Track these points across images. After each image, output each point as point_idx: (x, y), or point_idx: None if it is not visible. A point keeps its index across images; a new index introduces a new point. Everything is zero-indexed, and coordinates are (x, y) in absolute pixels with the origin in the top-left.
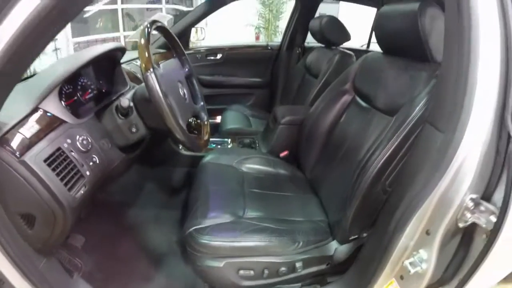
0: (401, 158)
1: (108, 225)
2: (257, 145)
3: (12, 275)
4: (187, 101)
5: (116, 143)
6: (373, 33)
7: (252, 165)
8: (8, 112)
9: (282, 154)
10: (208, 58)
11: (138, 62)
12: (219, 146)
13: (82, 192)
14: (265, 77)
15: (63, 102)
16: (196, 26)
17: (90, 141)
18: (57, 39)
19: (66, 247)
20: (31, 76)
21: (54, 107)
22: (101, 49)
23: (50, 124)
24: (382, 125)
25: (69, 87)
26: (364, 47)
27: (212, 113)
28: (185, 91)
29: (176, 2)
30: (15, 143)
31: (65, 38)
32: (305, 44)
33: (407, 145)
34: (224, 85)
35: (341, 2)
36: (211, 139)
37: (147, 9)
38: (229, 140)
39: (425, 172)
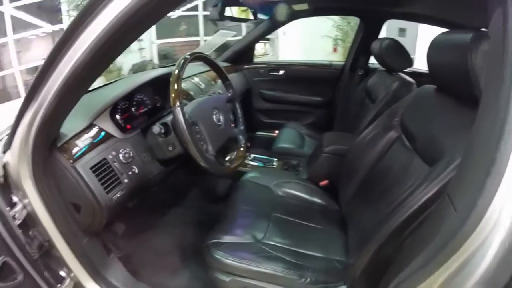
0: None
1: (149, 218)
2: (301, 168)
3: (61, 245)
4: (221, 127)
5: (156, 156)
6: None
7: (289, 190)
8: (68, 126)
9: (322, 183)
10: (271, 73)
11: (194, 80)
12: (266, 165)
13: (118, 195)
14: (325, 97)
15: (118, 116)
16: (263, 41)
17: (131, 154)
18: (142, 39)
19: (108, 231)
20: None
21: (106, 124)
22: (156, 73)
23: (100, 138)
24: (419, 173)
25: (125, 103)
26: None
27: (271, 127)
28: (221, 116)
29: None
30: (70, 151)
31: (149, 39)
32: (369, 65)
33: (433, 205)
34: (284, 101)
35: None
36: (259, 156)
37: None
38: (276, 159)
39: (431, 249)
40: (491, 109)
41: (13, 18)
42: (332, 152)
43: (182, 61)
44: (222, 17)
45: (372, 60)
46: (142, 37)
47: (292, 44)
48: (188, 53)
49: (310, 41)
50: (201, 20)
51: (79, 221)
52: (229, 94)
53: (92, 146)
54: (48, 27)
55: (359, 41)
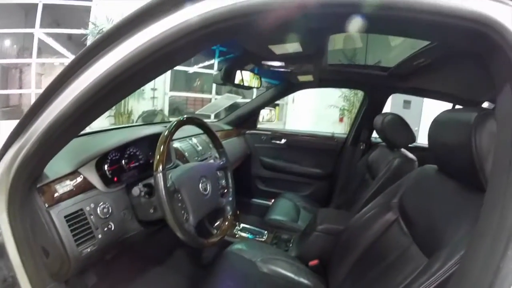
0: None
1: (126, 274)
2: (291, 244)
3: (24, 284)
4: (207, 196)
5: (137, 216)
6: None
7: (275, 268)
8: (53, 167)
9: (311, 263)
10: (272, 141)
11: (192, 140)
12: (256, 238)
13: (89, 250)
14: (326, 169)
15: (106, 167)
16: (269, 107)
17: (110, 210)
18: (156, 89)
19: (79, 280)
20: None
21: (90, 173)
22: (155, 129)
23: (81, 187)
24: (415, 264)
25: (117, 155)
26: None
27: (267, 195)
28: (208, 185)
29: None
30: (47, 195)
31: (163, 90)
32: (372, 139)
33: None
34: (283, 171)
35: None
36: (249, 227)
37: None
38: (266, 232)
39: None
40: (497, 206)
41: (41, 42)
42: (325, 231)
43: (175, 123)
44: (225, 82)
45: (375, 134)
46: (156, 86)
47: (300, 111)
48: (183, 116)
49: (318, 110)
50: None
51: (46, 265)
52: (221, 162)
53: (71, 194)
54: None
55: (362, 114)
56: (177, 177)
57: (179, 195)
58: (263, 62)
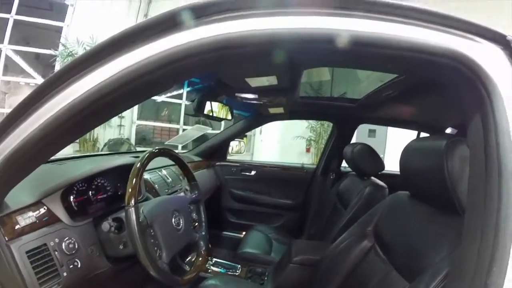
0: None
1: None
2: (266, 278)
3: None
4: (180, 231)
5: (105, 252)
6: None
7: None
8: (14, 196)
9: None
10: (243, 173)
11: (162, 172)
12: (229, 272)
13: None
14: (297, 200)
15: (71, 198)
16: (238, 139)
17: (76, 246)
18: (123, 116)
19: None
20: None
21: (55, 205)
22: (124, 160)
23: (45, 220)
24: None
25: (83, 185)
26: None
27: (238, 228)
28: (181, 220)
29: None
30: (8, 227)
31: (130, 118)
32: (341, 168)
33: None
34: (254, 202)
35: None
36: (222, 262)
37: None
38: (239, 266)
39: None
40: (477, 228)
41: (8, 59)
42: (301, 262)
43: (147, 155)
44: (197, 113)
45: (344, 163)
46: (124, 114)
47: (268, 142)
48: (155, 148)
49: (285, 140)
50: (183, 109)
51: None
52: (194, 196)
53: (33, 227)
54: (39, 80)
55: (331, 145)
56: (149, 211)
57: (151, 231)
58: (236, 94)
